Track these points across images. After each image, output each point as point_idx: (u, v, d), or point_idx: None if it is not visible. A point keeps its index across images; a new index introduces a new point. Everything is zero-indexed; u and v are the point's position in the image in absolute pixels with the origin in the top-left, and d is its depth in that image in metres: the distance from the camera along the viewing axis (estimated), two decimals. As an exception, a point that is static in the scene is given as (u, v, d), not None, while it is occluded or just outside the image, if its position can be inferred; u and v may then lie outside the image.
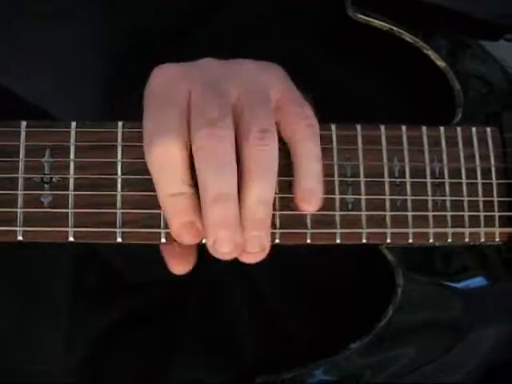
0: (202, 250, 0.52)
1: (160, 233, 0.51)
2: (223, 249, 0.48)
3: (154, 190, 0.51)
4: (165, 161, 0.48)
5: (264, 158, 0.49)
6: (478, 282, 0.57)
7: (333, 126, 0.54)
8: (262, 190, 0.48)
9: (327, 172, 0.53)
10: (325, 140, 0.54)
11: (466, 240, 0.55)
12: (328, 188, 0.53)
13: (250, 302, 0.64)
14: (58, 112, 0.61)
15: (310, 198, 0.50)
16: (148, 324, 0.65)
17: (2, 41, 0.62)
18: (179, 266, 0.55)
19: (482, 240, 0.56)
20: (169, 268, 0.55)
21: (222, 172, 0.47)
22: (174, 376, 0.64)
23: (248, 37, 0.62)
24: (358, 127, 0.54)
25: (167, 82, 0.51)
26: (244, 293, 0.64)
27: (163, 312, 0.65)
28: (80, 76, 0.62)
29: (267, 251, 0.49)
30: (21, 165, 0.50)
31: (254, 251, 0.49)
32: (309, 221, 0.53)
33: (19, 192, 0.50)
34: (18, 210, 0.50)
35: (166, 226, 0.51)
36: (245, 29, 0.62)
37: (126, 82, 0.59)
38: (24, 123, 0.51)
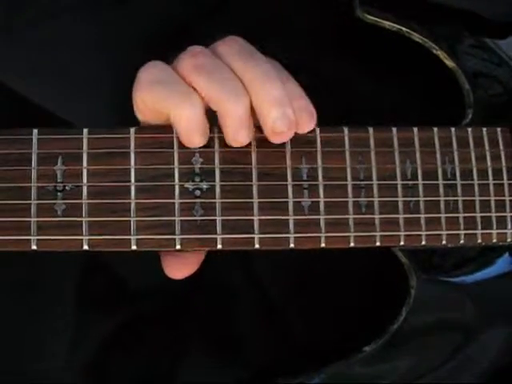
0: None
1: (175, 239, 0.51)
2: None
3: (167, 196, 0.51)
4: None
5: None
6: (491, 281, 0.57)
7: (345, 129, 0.54)
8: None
9: (340, 175, 0.53)
10: (337, 143, 0.54)
11: (479, 241, 0.55)
12: (341, 191, 0.53)
13: (256, 303, 0.64)
14: (67, 115, 0.61)
15: (303, 117, 0.51)
16: (153, 328, 0.65)
17: (5, 41, 0.61)
18: (179, 271, 0.54)
19: (495, 241, 0.56)
20: (166, 273, 0.54)
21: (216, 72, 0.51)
22: (180, 379, 0.64)
23: (252, 37, 0.61)
24: (370, 129, 0.54)
25: None
26: (250, 294, 0.64)
27: (168, 316, 0.65)
28: (88, 78, 0.62)
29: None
30: (33, 173, 0.50)
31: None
32: (323, 224, 0.53)
33: (32, 201, 0.49)
34: (32, 219, 0.49)
35: (181, 233, 0.51)
36: (249, 28, 0.62)
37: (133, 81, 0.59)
38: (35, 131, 0.50)
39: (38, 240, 0.49)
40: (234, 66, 0.51)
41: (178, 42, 0.62)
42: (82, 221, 0.50)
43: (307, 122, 0.51)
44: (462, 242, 0.55)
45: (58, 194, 0.50)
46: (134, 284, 0.64)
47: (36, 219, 0.49)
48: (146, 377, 0.64)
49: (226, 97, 0.50)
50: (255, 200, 0.52)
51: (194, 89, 0.51)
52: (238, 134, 0.50)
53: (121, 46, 0.62)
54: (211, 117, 0.51)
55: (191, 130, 0.50)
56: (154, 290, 0.64)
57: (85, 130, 0.51)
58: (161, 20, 0.63)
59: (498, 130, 0.57)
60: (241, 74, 0.51)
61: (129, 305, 0.64)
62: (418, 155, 0.55)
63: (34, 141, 0.50)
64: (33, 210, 0.49)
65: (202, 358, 0.63)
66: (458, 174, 0.55)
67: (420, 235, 0.54)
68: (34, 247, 0.49)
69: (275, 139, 0.51)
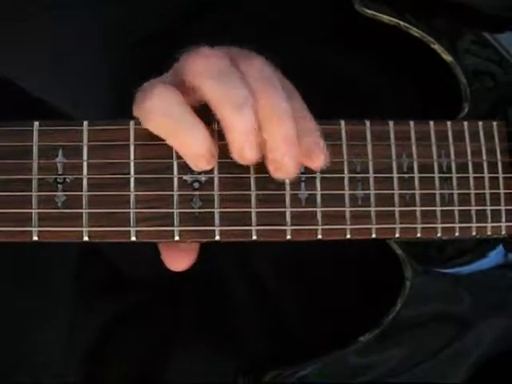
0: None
1: (173, 231, 0.51)
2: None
3: (166, 188, 0.51)
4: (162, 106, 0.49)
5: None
6: (485, 272, 0.58)
7: (342, 122, 0.54)
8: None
9: (337, 168, 0.54)
10: (334, 136, 0.54)
11: (473, 234, 0.56)
12: (338, 184, 0.54)
13: (251, 293, 0.64)
14: (67, 107, 0.61)
15: (314, 152, 0.51)
16: (149, 316, 0.65)
17: (5, 34, 0.62)
18: (178, 263, 0.54)
19: (489, 233, 0.56)
20: (167, 265, 0.54)
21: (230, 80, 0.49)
22: (175, 366, 0.64)
23: (253, 32, 0.62)
24: (367, 123, 0.55)
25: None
26: (246, 284, 0.64)
27: (164, 305, 0.65)
28: (85, 70, 0.62)
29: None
30: (34, 165, 0.50)
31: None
32: (319, 216, 0.53)
33: (33, 193, 0.50)
34: (33, 211, 0.50)
35: (180, 224, 0.51)
36: (249, 24, 0.62)
37: (132, 75, 0.59)
38: (36, 123, 0.51)
39: (39, 231, 0.50)
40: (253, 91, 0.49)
41: (178, 35, 0.62)
42: (82, 212, 0.50)
43: (317, 157, 0.51)
44: (456, 234, 0.56)
45: (59, 185, 0.50)
46: (130, 273, 0.65)
47: (37, 211, 0.50)
48: (142, 364, 0.65)
49: (231, 108, 0.48)
50: (253, 192, 0.52)
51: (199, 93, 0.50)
52: (243, 150, 0.49)
53: (121, 39, 0.62)
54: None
55: (196, 161, 0.50)
56: (150, 280, 0.65)
57: (85, 122, 0.51)
58: (161, 14, 0.63)
59: (494, 124, 0.57)
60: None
61: (126, 293, 0.65)
62: (414, 149, 0.55)
63: (35, 133, 0.51)
64: (34, 201, 0.50)
65: (197, 347, 0.64)
66: (453, 167, 0.56)
67: (415, 228, 0.55)
68: (35, 238, 0.50)
69: (279, 175, 0.51)
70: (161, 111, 0.49)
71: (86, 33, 0.62)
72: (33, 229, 0.50)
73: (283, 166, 0.50)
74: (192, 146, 0.50)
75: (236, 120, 0.49)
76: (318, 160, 0.51)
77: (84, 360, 0.64)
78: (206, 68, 0.49)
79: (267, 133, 0.49)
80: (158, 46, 0.61)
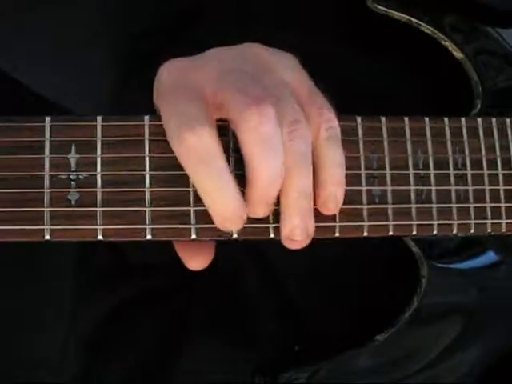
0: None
1: (190, 229, 0.50)
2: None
3: (183, 185, 0.50)
4: (204, 151, 0.47)
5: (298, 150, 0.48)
6: (502, 268, 0.58)
7: (358, 118, 0.54)
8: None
9: (354, 165, 0.53)
10: (350, 132, 0.54)
11: (488, 230, 0.56)
12: (355, 181, 0.53)
13: (267, 287, 0.63)
14: (67, 102, 0.59)
15: (329, 203, 0.50)
16: (155, 305, 0.64)
17: (5, 28, 0.60)
18: (195, 262, 0.53)
19: (504, 230, 0.56)
20: (185, 264, 0.53)
21: (274, 154, 0.47)
22: (185, 365, 0.63)
23: (261, 25, 0.61)
24: (383, 119, 0.54)
25: (179, 77, 0.50)
26: (261, 277, 0.63)
27: (173, 294, 0.64)
28: (88, 65, 0.61)
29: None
30: (46, 162, 0.48)
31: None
32: (337, 214, 0.52)
33: (45, 190, 0.48)
34: (45, 209, 0.48)
35: (197, 222, 0.50)
36: (258, 16, 0.61)
37: (136, 69, 0.58)
38: (48, 118, 0.49)
39: (51, 230, 0.48)
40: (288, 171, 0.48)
41: (181, 30, 0.61)
42: (96, 211, 0.49)
43: (330, 210, 0.50)
44: (472, 231, 0.55)
45: (72, 183, 0.49)
46: (135, 259, 0.63)
47: (49, 209, 0.48)
48: (146, 361, 0.63)
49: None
50: None
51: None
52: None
53: (123, 34, 0.61)
54: None
55: (225, 220, 0.48)
56: (156, 267, 0.63)
57: (98, 118, 0.49)
58: (163, 9, 0.62)
59: (508, 120, 0.57)
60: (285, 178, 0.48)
61: (130, 281, 0.63)
62: (429, 145, 0.55)
63: (47, 128, 0.49)
64: (46, 199, 0.48)
65: (208, 340, 0.62)
66: (468, 163, 0.56)
67: (432, 225, 0.54)
68: (47, 237, 0.48)
69: (289, 245, 0.50)
70: (200, 158, 0.47)
71: (88, 27, 0.60)
72: (45, 227, 0.48)
73: (295, 238, 0.49)
74: (221, 207, 0.48)
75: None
76: (330, 212, 0.51)
77: (83, 355, 0.62)
78: (261, 138, 0.47)
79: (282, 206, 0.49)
80: (160, 41, 0.60)
